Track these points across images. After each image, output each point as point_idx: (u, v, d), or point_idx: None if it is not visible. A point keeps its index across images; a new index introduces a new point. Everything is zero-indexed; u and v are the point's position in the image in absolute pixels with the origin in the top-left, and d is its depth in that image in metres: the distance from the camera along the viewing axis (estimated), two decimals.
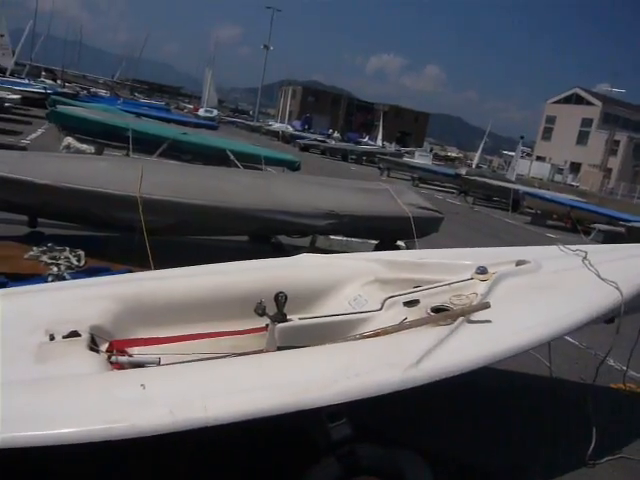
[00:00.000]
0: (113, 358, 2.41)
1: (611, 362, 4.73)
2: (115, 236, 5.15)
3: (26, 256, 4.53)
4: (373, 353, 2.32)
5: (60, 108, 10.36)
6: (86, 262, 4.67)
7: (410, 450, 2.60)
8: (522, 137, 23.89)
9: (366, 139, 54.08)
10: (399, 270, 3.34)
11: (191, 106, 59.21)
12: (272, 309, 2.70)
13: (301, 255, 3.58)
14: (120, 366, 2.36)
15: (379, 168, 24.19)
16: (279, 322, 2.73)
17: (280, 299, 2.72)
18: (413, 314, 2.83)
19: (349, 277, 3.34)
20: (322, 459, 2.08)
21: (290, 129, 45.20)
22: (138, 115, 15.11)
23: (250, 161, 10.16)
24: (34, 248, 4.65)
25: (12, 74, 34.06)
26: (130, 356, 2.55)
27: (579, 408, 3.34)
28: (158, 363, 2.39)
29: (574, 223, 14.25)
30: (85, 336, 2.42)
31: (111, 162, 5.29)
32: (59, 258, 4.56)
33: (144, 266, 4.26)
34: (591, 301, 2.83)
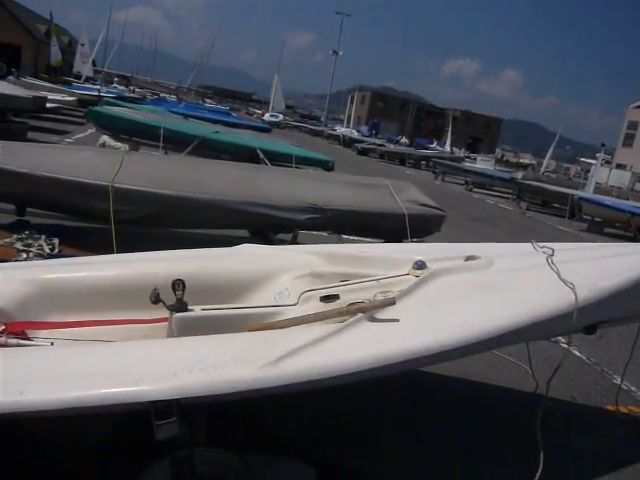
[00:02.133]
0: (1, 339, 2.30)
1: (624, 382, 4.22)
2: (98, 227, 5.12)
3: (1, 242, 4.56)
4: (237, 347, 2.06)
5: (97, 107, 10.61)
6: (60, 250, 4.66)
7: (299, 462, 2.30)
8: (603, 145, 22.52)
9: (434, 145, 53.09)
10: (338, 264, 3.05)
11: (260, 111, 60.25)
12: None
13: (242, 245, 3.35)
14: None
15: (434, 172, 23.58)
16: (177, 312, 2.53)
17: (177, 287, 2.52)
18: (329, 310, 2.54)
19: (283, 269, 3.08)
20: (152, 463, 1.84)
21: (355, 134, 45.02)
22: (186, 116, 15.34)
23: (281, 160, 10.04)
24: (14, 235, 4.70)
25: (87, 80, 35.83)
26: (22, 339, 2.43)
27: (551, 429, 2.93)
28: None
29: (636, 231, 13.20)
30: None
31: (93, 152, 5.27)
32: (32, 245, 4.57)
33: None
34: (536, 304, 2.44)
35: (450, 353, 2.17)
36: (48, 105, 12.99)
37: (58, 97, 15.59)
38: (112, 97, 18.73)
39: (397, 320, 2.22)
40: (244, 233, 5.55)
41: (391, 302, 2.24)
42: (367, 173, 17.37)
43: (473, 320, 2.25)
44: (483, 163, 25.44)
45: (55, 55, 37.05)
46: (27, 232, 4.71)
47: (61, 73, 37.24)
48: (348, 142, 35.55)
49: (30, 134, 11.16)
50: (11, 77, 19.01)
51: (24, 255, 4.41)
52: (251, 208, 4.63)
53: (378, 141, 37.23)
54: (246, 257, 3.21)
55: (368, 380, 2.14)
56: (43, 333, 2.58)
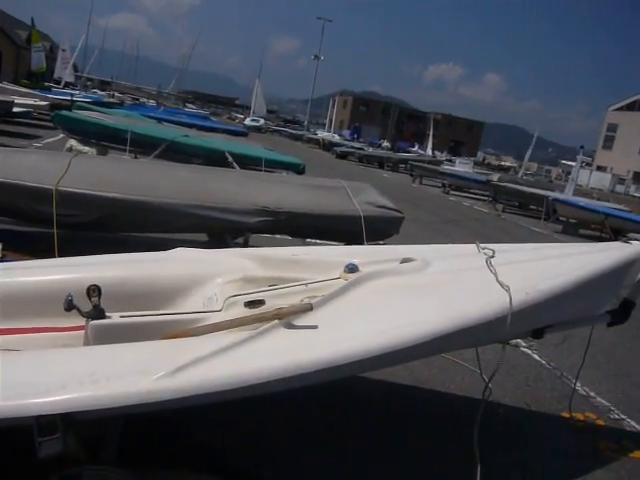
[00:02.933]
0: None
1: (583, 387, 4.16)
2: (46, 232, 4.96)
3: None
4: (141, 357, 1.94)
5: (63, 111, 10.42)
6: (3, 255, 4.50)
7: (204, 475, 2.18)
8: (582, 147, 22.64)
9: (416, 148, 53.26)
10: (270, 267, 2.93)
11: (242, 116, 60.14)
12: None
13: (176, 249, 3.22)
14: None
15: (411, 175, 23.57)
16: (93, 319, 2.41)
17: (92, 293, 2.40)
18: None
19: (215, 274, 2.95)
20: None
21: (336, 138, 45.02)
22: (159, 121, 15.18)
23: (251, 163, 9.92)
24: None
25: (67, 85, 35.46)
26: None
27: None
28: None
29: (612, 233, 13.23)
30: None
31: (41, 155, 5.12)
32: None
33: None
34: (468, 307, 2.33)
35: (369, 362, 2.06)
36: (17, 110, 12.78)
37: (30, 102, 15.32)
38: (87, 102, 18.50)
39: (315, 327, 2.11)
40: (202, 237, 5.42)
41: (307, 308, 2.13)
42: (342, 176, 17.19)
43: (397, 325, 2.14)
44: (462, 166, 25.46)
45: (37, 61, 36.64)
46: None
47: (42, 79, 36.83)
48: (327, 146, 35.53)
49: None
50: None
51: None
52: (198, 211, 4.50)
53: (357, 145, 37.23)
54: (178, 261, 3.08)
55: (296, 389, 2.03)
56: None
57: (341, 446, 2.88)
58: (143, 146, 10.11)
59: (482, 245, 2.99)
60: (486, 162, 60.15)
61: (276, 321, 2.11)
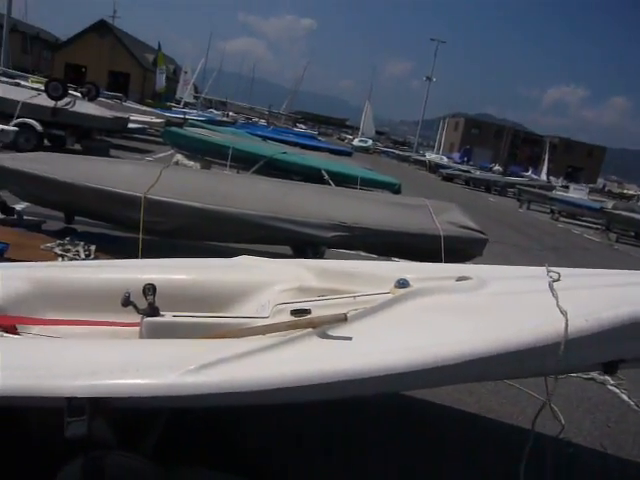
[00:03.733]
0: None
1: None
2: (136, 237, 5.28)
3: (42, 247, 4.80)
4: (173, 353, 2.01)
5: (172, 128, 11.11)
6: (95, 257, 4.85)
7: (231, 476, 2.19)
8: None
9: (529, 173, 51.15)
10: (326, 279, 2.93)
11: (351, 137, 60.94)
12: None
13: (239, 257, 3.32)
14: None
15: (518, 200, 22.62)
16: (147, 316, 2.54)
17: (147, 291, 2.54)
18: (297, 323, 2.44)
19: (272, 282, 3.01)
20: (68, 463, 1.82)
21: (445, 160, 44.31)
22: (264, 139, 15.78)
23: (347, 181, 10.06)
24: (57, 241, 4.95)
25: (186, 105, 37.87)
26: (7, 332, 2.52)
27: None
28: None
29: None
30: None
31: (136, 165, 5.47)
32: (70, 250, 4.78)
33: None
34: (517, 330, 2.20)
35: (398, 380, 1.98)
36: (133, 126, 13.79)
37: (146, 119, 16.52)
38: (200, 120, 19.65)
39: (347, 338, 2.07)
40: (286, 249, 5.53)
41: (341, 318, 2.10)
42: (442, 198, 16.97)
43: (434, 344, 2.05)
44: (576, 192, 24.03)
45: (160, 82, 39.58)
46: (68, 238, 4.93)
47: (165, 99, 39.53)
48: (434, 168, 35.06)
49: (114, 152, 11.86)
50: (117, 100, 20.37)
51: (60, 259, 4.63)
52: (274, 223, 4.60)
53: (464, 167, 36.40)
54: (238, 268, 3.17)
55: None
56: (30, 328, 2.66)
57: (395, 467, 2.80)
58: (243, 162, 10.56)
59: (551, 268, 2.81)
60: (607, 189, 56.53)
61: (310, 329, 2.10)
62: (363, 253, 5.38)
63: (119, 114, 12.08)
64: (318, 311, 2.52)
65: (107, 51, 42.74)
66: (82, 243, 4.88)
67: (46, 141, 10.87)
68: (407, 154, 45.43)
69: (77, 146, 11.14)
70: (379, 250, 5.10)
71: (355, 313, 2.24)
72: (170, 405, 1.85)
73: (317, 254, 5.10)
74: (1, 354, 1.99)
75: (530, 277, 2.83)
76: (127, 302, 2.54)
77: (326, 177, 10.10)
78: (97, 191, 4.75)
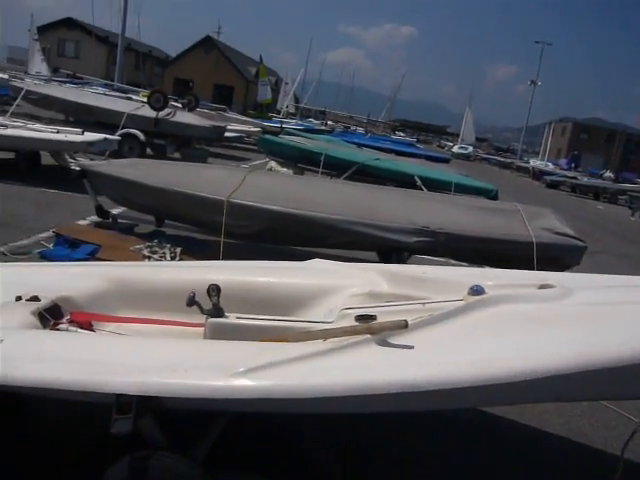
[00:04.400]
0: (62, 326, 2.47)
1: None
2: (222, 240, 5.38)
3: (132, 248, 5.00)
4: (226, 354, 1.95)
5: (266, 136, 11.32)
6: (181, 259, 4.98)
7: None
8: None
9: None
10: (397, 284, 2.79)
11: (451, 144, 59.67)
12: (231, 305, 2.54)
13: (312, 260, 3.24)
14: None
15: (630, 207, 20.96)
16: (212, 317, 2.53)
17: (212, 292, 2.52)
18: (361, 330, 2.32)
19: (342, 286, 2.91)
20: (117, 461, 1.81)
21: (550, 166, 42.20)
22: (359, 146, 15.75)
23: (440, 187, 9.80)
24: (146, 243, 5.14)
25: (287, 115, 38.76)
26: (81, 328, 2.60)
27: None
28: None
29: None
30: (44, 302, 2.52)
31: (222, 170, 5.56)
32: (157, 252, 4.94)
33: None
34: (606, 345, 1.94)
35: (462, 395, 1.79)
36: (231, 134, 14.22)
37: (244, 128, 17.02)
38: (297, 129, 19.98)
39: (409, 347, 1.92)
40: (372, 256, 5.40)
41: (402, 325, 1.94)
42: (544, 206, 16.07)
43: (507, 357, 1.85)
44: None
45: (262, 93, 40.78)
46: (157, 241, 5.10)
47: (267, 109, 40.64)
48: (537, 174, 33.42)
49: (212, 160, 12.28)
50: (220, 112, 21.20)
51: (147, 260, 4.79)
52: (356, 227, 4.49)
53: (571, 174, 34.34)
54: (309, 271, 3.09)
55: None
56: (103, 325, 2.72)
57: None
58: (336, 168, 10.58)
59: None
60: None
61: (367, 336, 1.97)
62: (453, 261, 5.15)
63: (216, 123, 12.50)
64: (384, 317, 2.37)
65: (212, 65, 44.64)
66: (169, 246, 5.04)
67: (149, 150, 11.44)
68: (509, 161, 43.71)
69: (177, 154, 11.63)
70: (467, 257, 4.85)
71: (420, 320, 2.08)
72: (218, 408, 1.80)
73: (401, 260, 4.93)
74: (63, 347, 2.04)
75: (626, 287, 2.53)
76: (192, 302, 2.53)
77: (419, 183, 9.88)
78: (183, 195, 4.87)
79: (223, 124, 12.99)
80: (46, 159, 8.62)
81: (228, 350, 2.02)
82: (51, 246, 5.02)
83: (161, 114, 11.03)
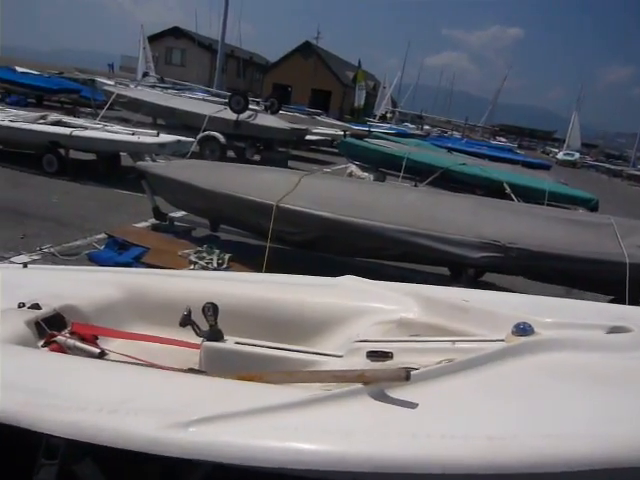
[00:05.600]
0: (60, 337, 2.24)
1: None
2: (273, 247, 5.06)
3: (179, 253, 4.78)
4: (184, 394, 1.59)
5: (348, 139, 10.95)
6: (229, 265, 4.70)
7: None
8: None
9: None
10: (433, 313, 2.30)
11: (557, 150, 56.52)
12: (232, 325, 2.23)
13: (344, 277, 2.80)
14: (59, 347, 2.22)
15: None
16: (208, 340, 2.19)
17: (207, 312, 2.17)
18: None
19: (371, 310, 2.46)
20: None
21: None
22: (449, 150, 15.02)
23: (533, 196, 8.98)
24: (197, 248, 4.91)
25: (382, 119, 38.31)
26: (79, 340, 2.37)
27: None
28: (96, 355, 2.21)
29: None
30: (45, 311, 2.32)
31: (276, 173, 5.20)
32: (204, 258, 4.69)
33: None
34: None
35: None
36: (315, 138, 13.96)
37: (330, 131, 16.74)
38: (389, 133, 19.45)
39: (411, 406, 1.45)
40: (444, 270, 4.85)
41: (401, 377, 1.48)
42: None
43: (543, 434, 1.34)
44: None
45: (359, 98, 40.62)
46: (206, 246, 4.86)
47: (364, 114, 40.41)
48: None
49: (293, 163, 12.08)
50: (315, 116, 21.12)
51: (191, 266, 4.56)
52: (412, 238, 3.99)
53: None
54: (336, 290, 2.66)
55: None
56: (107, 341, 2.48)
57: None
58: (418, 173, 10.01)
59: None
60: None
61: (359, 385, 1.52)
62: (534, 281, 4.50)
63: (296, 126, 12.28)
64: (402, 356, 1.92)
65: (310, 70, 44.95)
66: (217, 252, 4.78)
67: (231, 153, 11.42)
68: (620, 168, 40.49)
69: (256, 157, 11.53)
70: (544, 277, 4.20)
71: (432, 369, 1.60)
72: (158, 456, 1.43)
73: (469, 278, 4.36)
74: (17, 368, 1.76)
75: None
76: (186, 321, 2.22)
77: (508, 190, 9.07)
78: (233, 198, 4.60)
79: (304, 127, 12.76)
80: (128, 161, 8.76)
81: (191, 389, 1.65)
82: (102, 248, 4.92)
83: (242, 117, 10.95)
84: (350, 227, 4.17)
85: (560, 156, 42.73)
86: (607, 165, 43.43)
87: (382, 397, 1.49)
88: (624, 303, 3.82)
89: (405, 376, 1.47)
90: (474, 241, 3.93)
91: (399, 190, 5.12)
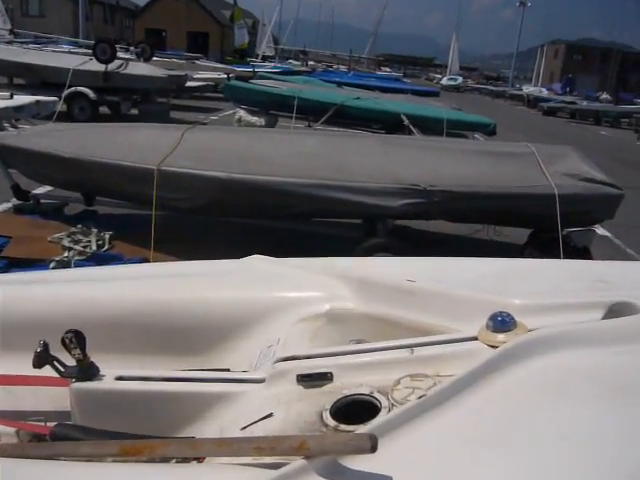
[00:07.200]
0: None
1: None
2: (161, 214, 4.37)
3: (49, 238, 4.00)
4: None
5: (231, 82, 10.14)
6: (111, 246, 4.00)
7: None
8: None
9: None
10: (370, 298, 1.78)
11: (440, 76, 57.67)
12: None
13: (251, 257, 2.22)
14: None
15: (636, 131, 19.77)
16: (77, 380, 1.53)
17: (69, 344, 1.49)
18: (307, 402, 1.35)
19: (288, 303, 1.89)
20: None
21: (545, 92, 40.59)
22: (339, 85, 14.53)
23: (432, 126, 8.75)
24: (70, 229, 4.14)
25: (265, 58, 36.84)
26: None
27: None
28: None
29: None
30: None
31: (153, 130, 4.47)
32: (81, 242, 3.95)
33: (163, 251, 3.56)
34: None
35: None
36: (196, 84, 12.89)
37: (213, 75, 15.63)
38: (274, 72, 18.54)
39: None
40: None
41: (365, 449, 0.95)
42: (546, 137, 15.01)
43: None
44: None
45: (240, 37, 38.61)
46: (81, 225, 4.10)
47: (246, 54, 38.73)
48: (533, 102, 31.91)
49: (175, 113, 11.08)
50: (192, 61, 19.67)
51: (65, 254, 3.80)
52: (322, 192, 3.49)
53: (569, 99, 32.80)
54: (242, 278, 2.07)
55: None
56: None
57: None
58: (312, 112, 9.47)
59: None
60: None
61: (302, 462, 0.99)
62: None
63: (174, 72, 11.20)
64: (345, 376, 1.41)
65: (183, 12, 42.14)
66: (95, 231, 4.05)
67: (105, 109, 10.24)
68: (502, 89, 41.99)
69: (134, 111, 10.42)
70: (469, 218, 3.85)
71: (400, 415, 1.10)
72: None
73: (386, 227, 3.92)
74: None
75: None
76: (42, 360, 1.52)
77: (406, 122, 8.72)
78: (104, 166, 3.85)
79: (183, 73, 11.68)
80: None
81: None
82: None
83: (111, 67, 9.71)
84: (246, 186, 3.59)
85: (444, 81, 43.64)
86: (489, 87, 44.91)
87: (335, 475, 0.97)
88: (555, 235, 3.57)
89: (370, 447, 0.94)
90: (392, 188, 3.48)
91: (296, 136, 4.53)
